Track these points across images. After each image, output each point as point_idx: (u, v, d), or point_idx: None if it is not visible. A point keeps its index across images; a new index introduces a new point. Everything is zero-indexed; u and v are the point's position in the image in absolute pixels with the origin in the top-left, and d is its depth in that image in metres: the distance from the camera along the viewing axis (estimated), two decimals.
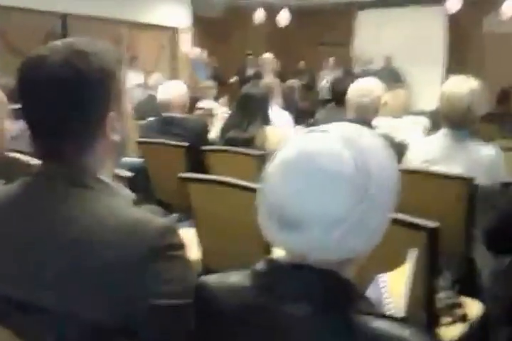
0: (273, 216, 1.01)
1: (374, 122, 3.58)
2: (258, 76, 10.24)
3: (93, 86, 1.23)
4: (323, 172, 0.97)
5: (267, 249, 2.03)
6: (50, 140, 1.26)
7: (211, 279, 1.15)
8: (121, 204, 1.25)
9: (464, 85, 2.89)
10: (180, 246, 1.21)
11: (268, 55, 11.15)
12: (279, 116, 5.33)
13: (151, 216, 1.22)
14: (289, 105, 6.45)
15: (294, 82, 8.22)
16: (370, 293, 1.30)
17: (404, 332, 0.94)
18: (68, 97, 1.21)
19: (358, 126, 1.07)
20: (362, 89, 3.48)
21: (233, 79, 11.67)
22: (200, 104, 7.24)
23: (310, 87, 12.88)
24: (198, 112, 6.80)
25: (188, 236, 2.64)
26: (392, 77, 11.84)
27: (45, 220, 1.20)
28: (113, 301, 1.11)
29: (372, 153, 1.01)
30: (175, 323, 1.17)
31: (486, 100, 2.91)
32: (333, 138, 1.00)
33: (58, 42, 1.27)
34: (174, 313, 1.16)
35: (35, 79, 1.23)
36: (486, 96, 2.92)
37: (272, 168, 1.04)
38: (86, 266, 1.12)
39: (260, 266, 1.07)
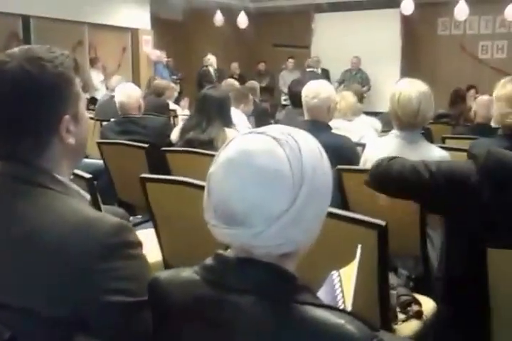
0: (217, 212, 1.09)
1: (331, 123, 3.66)
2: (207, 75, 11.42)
3: (47, 90, 1.27)
4: (260, 169, 1.04)
5: (227, 247, 2.07)
6: (6, 142, 1.30)
7: (164, 275, 1.20)
8: (76, 203, 1.29)
9: (413, 87, 2.94)
10: (136, 244, 1.26)
11: (210, 56, 12.16)
12: (238, 119, 5.39)
13: (105, 215, 1.27)
14: None
15: (254, 84, 8.25)
16: (324, 289, 1.35)
17: (342, 319, 1.00)
18: (22, 102, 1.25)
19: (294, 129, 1.14)
20: (311, 91, 3.56)
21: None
22: None
23: (270, 88, 13.03)
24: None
25: (149, 236, 2.68)
26: (360, 79, 12.14)
27: (1, 218, 1.24)
28: (67, 297, 1.15)
29: (305, 152, 1.08)
30: (131, 319, 1.21)
31: (434, 101, 2.97)
32: (268, 139, 1.08)
33: (16, 49, 1.31)
34: (129, 310, 1.20)
35: None
36: (434, 98, 2.97)
37: (215, 166, 1.11)
38: (40, 263, 1.16)
39: (209, 261, 1.14)
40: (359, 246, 1.44)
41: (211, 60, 12.25)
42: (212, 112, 4.00)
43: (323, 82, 3.72)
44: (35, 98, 1.26)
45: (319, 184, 1.09)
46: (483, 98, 5.40)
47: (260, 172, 1.04)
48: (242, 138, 1.11)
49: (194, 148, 3.86)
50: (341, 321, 1.00)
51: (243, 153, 1.06)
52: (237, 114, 5.44)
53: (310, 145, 1.11)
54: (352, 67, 12.86)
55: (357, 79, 12.46)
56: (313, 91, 3.53)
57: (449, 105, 7.04)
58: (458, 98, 6.90)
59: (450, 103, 6.97)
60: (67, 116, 1.31)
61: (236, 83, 7.34)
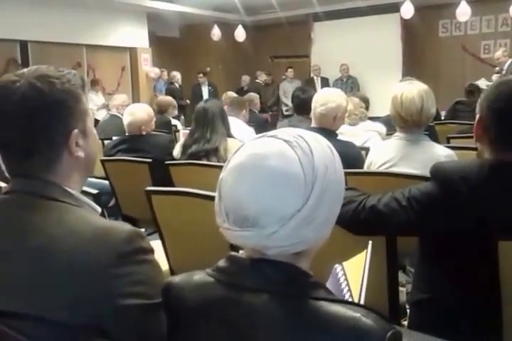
0: (230, 216, 1.09)
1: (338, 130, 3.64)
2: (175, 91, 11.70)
3: (57, 106, 1.30)
4: (272, 172, 1.04)
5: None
6: (17, 159, 1.32)
7: (177, 279, 1.21)
8: (88, 214, 1.32)
9: (413, 86, 2.94)
10: (148, 250, 1.27)
11: (176, 73, 12.62)
12: (242, 129, 5.39)
13: (118, 223, 1.28)
14: (250, 118, 6.52)
15: (254, 95, 8.30)
16: (330, 282, 1.35)
17: (357, 313, 0.99)
18: (33, 118, 1.27)
19: (304, 131, 1.15)
20: (321, 98, 3.54)
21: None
22: None
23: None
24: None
25: (155, 248, 2.67)
26: (349, 85, 12.22)
27: (15, 231, 1.25)
28: (83, 304, 1.15)
29: (317, 152, 1.09)
30: (146, 322, 1.22)
31: (438, 102, 2.96)
32: (279, 142, 1.09)
33: (24, 70, 1.35)
34: (145, 312, 1.21)
35: (2, 105, 1.29)
36: (438, 99, 2.96)
37: (225, 172, 1.11)
38: (56, 273, 1.17)
39: (222, 262, 1.14)
40: (370, 242, 1.44)
41: (177, 77, 12.66)
42: (216, 122, 4.06)
43: (335, 90, 3.70)
44: (44, 114, 1.29)
45: (331, 182, 1.09)
46: None
47: (272, 174, 1.04)
48: (252, 143, 1.12)
49: (199, 159, 3.90)
50: (357, 314, 0.99)
51: (255, 157, 1.07)
52: (238, 123, 5.47)
53: (321, 145, 1.12)
54: (342, 75, 12.95)
55: (349, 86, 12.53)
56: (323, 99, 3.52)
57: (465, 96, 7.43)
58: (472, 88, 7.18)
59: (466, 94, 7.41)
60: (75, 131, 1.34)
61: (235, 95, 7.40)
